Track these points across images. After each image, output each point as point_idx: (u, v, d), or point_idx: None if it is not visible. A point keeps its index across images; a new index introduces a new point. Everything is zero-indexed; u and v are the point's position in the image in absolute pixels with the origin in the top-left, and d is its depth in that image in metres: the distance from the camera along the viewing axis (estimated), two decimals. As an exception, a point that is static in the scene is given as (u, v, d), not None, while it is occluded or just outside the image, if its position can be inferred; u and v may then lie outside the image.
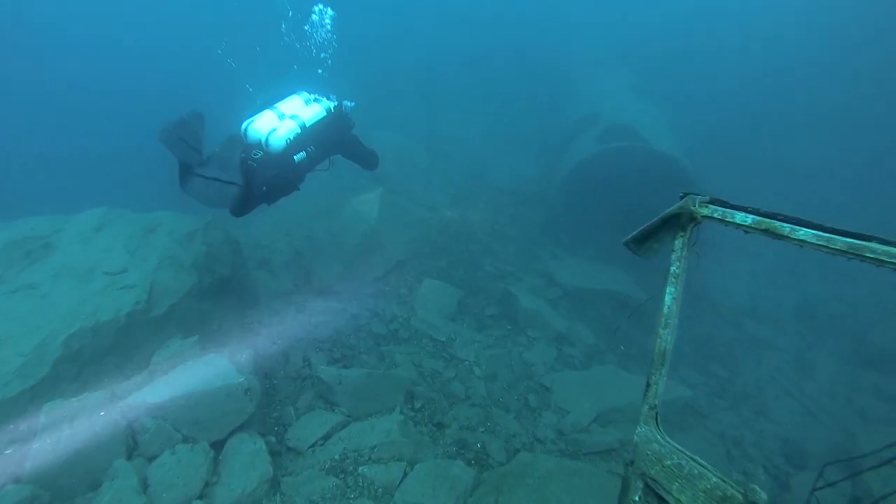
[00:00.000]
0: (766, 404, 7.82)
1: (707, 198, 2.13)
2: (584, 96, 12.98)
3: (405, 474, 4.25)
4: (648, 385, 2.42)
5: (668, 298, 2.30)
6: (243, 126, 4.63)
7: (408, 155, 11.56)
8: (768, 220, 1.91)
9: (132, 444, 3.82)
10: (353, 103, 5.37)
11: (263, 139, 4.50)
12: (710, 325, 9.08)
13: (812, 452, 6.84)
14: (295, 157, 4.66)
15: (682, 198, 2.22)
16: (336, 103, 5.19)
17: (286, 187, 4.74)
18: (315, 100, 5.07)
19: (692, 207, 2.13)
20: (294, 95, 5.04)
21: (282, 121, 4.65)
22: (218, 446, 4.13)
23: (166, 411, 3.98)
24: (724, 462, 6.42)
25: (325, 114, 5.00)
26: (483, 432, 5.24)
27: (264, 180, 4.40)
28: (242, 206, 4.43)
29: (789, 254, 10.19)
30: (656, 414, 2.42)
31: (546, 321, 7.34)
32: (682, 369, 7.84)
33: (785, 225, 1.85)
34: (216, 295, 5.78)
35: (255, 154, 4.45)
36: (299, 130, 4.68)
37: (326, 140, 5.10)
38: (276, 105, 4.81)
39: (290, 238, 8.59)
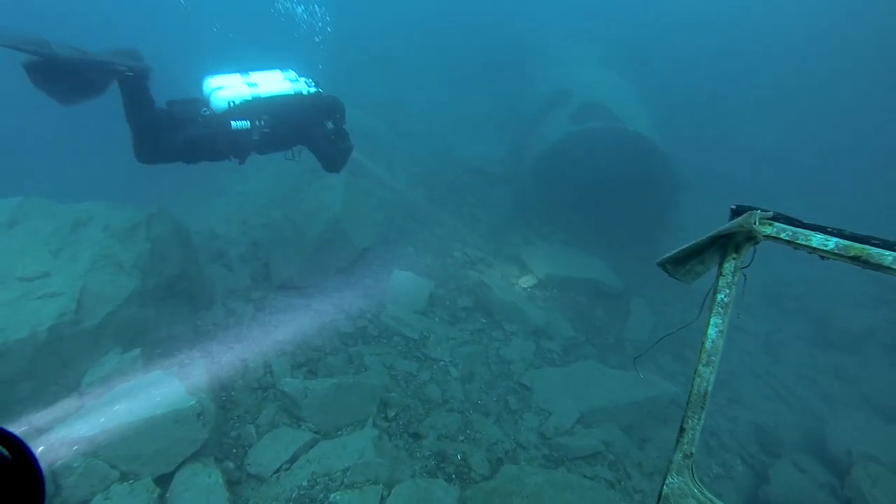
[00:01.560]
0: (738, 390, 7.82)
1: (770, 213, 1.72)
2: (555, 71, 12.49)
3: (382, 499, 3.82)
4: (683, 430, 2.03)
5: (712, 331, 1.91)
6: (204, 79, 4.51)
7: (370, 133, 10.83)
8: (859, 246, 1.52)
9: (53, 489, 3.20)
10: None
11: (208, 95, 4.40)
12: (682, 309, 9.00)
13: (785, 439, 6.88)
14: (233, 122, 4.38)
15: (734, 212, 1.81)
16: (315, 91, 4.84)
17: (210, 151, 4.46)
18: (293, 80, 4.77)
19: (752, 226, 1.72)
20: (277, 70, 4.79)
21: (241, 85, 4.50)
22: (165, 481, 3.56)
23: (98, 446, 3.36)
24: (703, 454, 6.33)
25: (291, 93, 4.65)
26: (463, 441, 4.88)
27: (190, 134, 4.27)
28: (147, 149, 4.16)
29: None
30: (692, 464, 2.05)
31: (522, 313, 6.99)
32: (659, 356, 7.72)
33: (887, 253, 1.46)
34: (164, 298, 5.10)
35: (204, 111, 4.42)
36: (249, 98, 4.45)
37: (286, 121, 4.63)
38: (250, 72, 4.62)
39: (246, 227, 7.86)
